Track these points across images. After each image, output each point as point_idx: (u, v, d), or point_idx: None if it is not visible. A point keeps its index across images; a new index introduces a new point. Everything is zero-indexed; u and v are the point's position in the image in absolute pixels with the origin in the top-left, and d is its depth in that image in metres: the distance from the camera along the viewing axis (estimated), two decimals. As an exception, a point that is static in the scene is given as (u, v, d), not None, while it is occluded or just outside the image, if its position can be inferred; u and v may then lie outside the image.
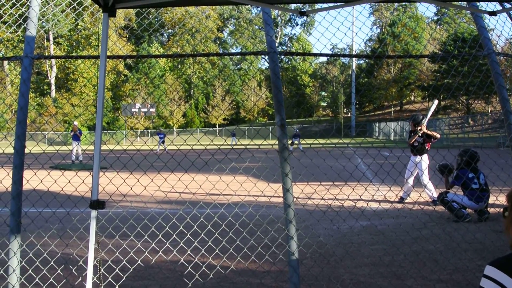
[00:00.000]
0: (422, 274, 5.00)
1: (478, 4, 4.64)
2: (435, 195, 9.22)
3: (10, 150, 4.26)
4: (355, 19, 62.80)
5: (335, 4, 3.76)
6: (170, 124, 74.07)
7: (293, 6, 3.98)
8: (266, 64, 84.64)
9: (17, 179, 4.01)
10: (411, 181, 9.87)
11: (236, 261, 4.99)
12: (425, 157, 9.88)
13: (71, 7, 5.64)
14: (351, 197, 8.92)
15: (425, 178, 9.60)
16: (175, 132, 66.75)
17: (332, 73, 77.73)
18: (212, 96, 78.52)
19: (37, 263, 4.46)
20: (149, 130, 70.48)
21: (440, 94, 55.77)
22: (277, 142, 4.02)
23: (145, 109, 63.89)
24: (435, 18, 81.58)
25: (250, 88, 76.57)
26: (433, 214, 8.45)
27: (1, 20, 5.03)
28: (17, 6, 4.93)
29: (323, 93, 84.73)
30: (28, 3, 4.33)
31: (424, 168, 9.74)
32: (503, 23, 5.07)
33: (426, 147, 9.85)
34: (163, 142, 36.22)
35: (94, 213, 3.74)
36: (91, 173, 3.78)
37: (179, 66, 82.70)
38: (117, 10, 3.84)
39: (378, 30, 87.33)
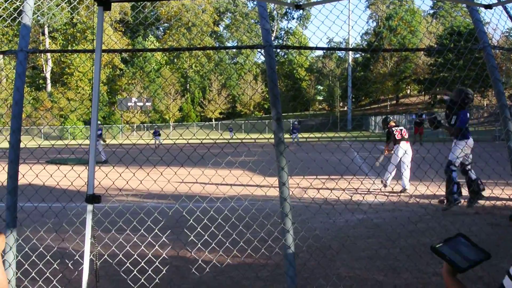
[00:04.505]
0: (418, 267, 5.02)
1: (474, -3, 4.63)
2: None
3: (5, 144, 4.24)
4: (351, 13, 62.66)
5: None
6: (166, 118, 73.96)
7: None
8: (262, 58, 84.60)
9: (13, 174, 4.01)
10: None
11: (232, 255, 4.99)
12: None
13: (65, 1, 5.61)
14: (347, 191, 8.94)
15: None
16: (171, 126, 66.70)
17: (328, 67, 77.68)
18: (208, 90, 78.44)
19: (33, 257, 4.45)
20: (145, 124, 70.36)
21: (436, 87, 55.78)
22: (273, 136, 4.01)
23: (141, 103, 63.83)
24: (431, 11, 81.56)
25: (246, 82, 76.53)
26: (429, 207, 8.47)
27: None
28: (11, 0, 4.90)
29: (319, 87, 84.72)
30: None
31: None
32: (498, 16, 5.07)
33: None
34: (158, 137, 35.60)
35: (90, 207, 3.74)
36: (87, 167, 3.77)
37: (175, 60, 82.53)
38: (112, 3, 3.82)
39: (374, 24, 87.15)
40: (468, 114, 8.53)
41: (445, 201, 8.49)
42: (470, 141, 8.48)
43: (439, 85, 44.83)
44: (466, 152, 8.38)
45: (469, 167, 8.41)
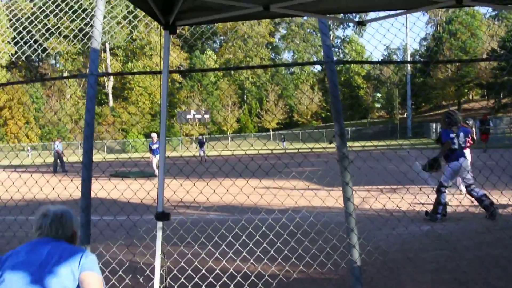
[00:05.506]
0: (487, 281, 4.88)
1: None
2: None
3: (74, 158, 4.45)
4: (409, 22, 61.84)
5: (394, 12, 3.73)
6: (224, 130, 74.75)
7: (350, 16, 3.98)
8: (318, 67, 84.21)
9: (85, 192, 4.18)
10: None
11: (298, 269, 5.01)
12: None
13: (131, 24, 5.83)
14: (412, 203, 8.79)
15: None
16: (229, 137, 67.31)
17: (386, 74, 76.54)
18: (265, 101, 78.81)
19: (106, 272, 4.62)
20: (204, 136, 71.25)
21: (500, 92, 53.97)
22: (329, 145, 4.03)
23: (199, 116, 64.75)
24: (493, 13, 79.04)
25: (303, 92, 76.39)
26: (497, 218, 8.20)
27: (58, 32, 5.25)
28: (76, 20, 5.14)
29: (377, 94, 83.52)
30: (87, 18, 4.51)
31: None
32: None
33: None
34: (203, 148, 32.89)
35: (159, 224, 3.86)
36: (156, 185, 3.91)
37: (232, 72, 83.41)
38: (177, 27, 3.95)
39: (433, 29, 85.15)
40: (451, 134, 8.47)
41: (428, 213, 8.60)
42: (464, 163, 8.47)
43: (504, 89, 43.42)
44: (462, 173, 8.46)
45: (472, 187, 8.34)
